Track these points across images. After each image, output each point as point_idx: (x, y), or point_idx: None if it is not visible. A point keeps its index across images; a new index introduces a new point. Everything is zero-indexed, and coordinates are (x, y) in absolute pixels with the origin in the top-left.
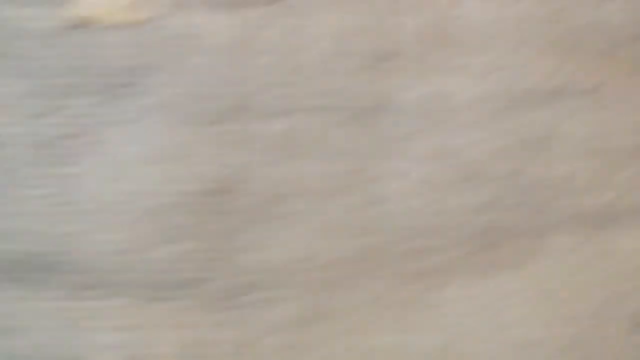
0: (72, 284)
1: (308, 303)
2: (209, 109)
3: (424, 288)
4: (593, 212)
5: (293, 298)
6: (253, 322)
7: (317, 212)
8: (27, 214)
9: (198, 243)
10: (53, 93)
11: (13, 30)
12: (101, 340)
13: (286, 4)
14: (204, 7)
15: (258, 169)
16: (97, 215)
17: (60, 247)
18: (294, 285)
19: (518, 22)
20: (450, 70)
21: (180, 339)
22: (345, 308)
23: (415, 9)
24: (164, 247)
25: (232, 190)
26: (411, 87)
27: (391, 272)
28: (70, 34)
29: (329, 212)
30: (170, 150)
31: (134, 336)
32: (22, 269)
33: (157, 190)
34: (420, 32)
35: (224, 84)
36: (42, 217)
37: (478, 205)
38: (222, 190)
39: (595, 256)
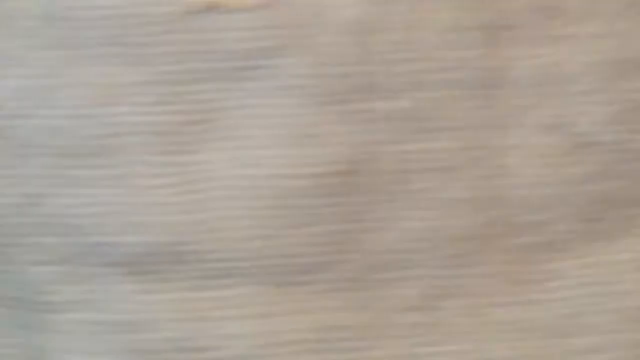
0: (199, 274)
1: (435, 281)
2: (335, 88)
3: (545, 260)
4: None
5: (421, 276)
6: (383, 302)
7: (441, 188)
8: (150, 204)
9: (326, 226)
10: (175, 79)
11: (132, 18)
12: (231, 329)
13: None
14: None
15: (384, 147)
16: (224, 202)
17: (185, 237)
18: (422, 262)
19: None
20: (560, 40)
21: (311, 324)
22: (472, 283)
23: None
24: (292, 231)
25: (359, 170)
26: (525, 59)
27: (514, 245)
28: (192, 18)
29: (453, 187)
30: (296, 132)
31: (265, 324)
32: (147, 262)
33: (285, 173)
34: (531, 3)
35: (349, 62)
36: (167, 207)
37: (593, 174)
38: (349, 171)
39: None
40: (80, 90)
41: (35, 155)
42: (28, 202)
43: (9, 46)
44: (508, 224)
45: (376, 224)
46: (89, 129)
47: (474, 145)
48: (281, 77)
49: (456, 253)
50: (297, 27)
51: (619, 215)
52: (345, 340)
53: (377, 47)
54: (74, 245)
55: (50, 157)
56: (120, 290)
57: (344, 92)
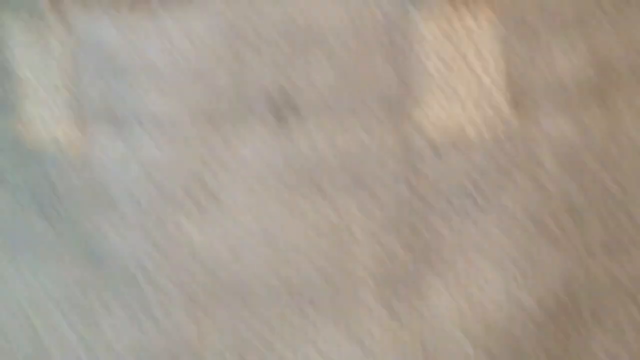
0: None
1: None
2: (556, 216)
3: None
4: None
5: None
6: None
7: None
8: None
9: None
10: (407, 220)
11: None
12: None
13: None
14: (546, 108)
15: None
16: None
17: None
18: None
19: None
20: None
21: None
22: None
23: None
24: None
25: (576, 303)
26: None
27: None
28: (425, 157)
29: None
30: (518, 260)
31: None
32: None
33: (510, 303)
34: None
35: (569, 190)
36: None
37: None
38: (564, 305)
39: None
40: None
41: None
42: None
43: None
44: None
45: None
46: None
47: None
48: (503, 207)
49: None
50: (520, 161)
51: None
52: None
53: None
54: None
55: None
56: None
57: (561, 219)
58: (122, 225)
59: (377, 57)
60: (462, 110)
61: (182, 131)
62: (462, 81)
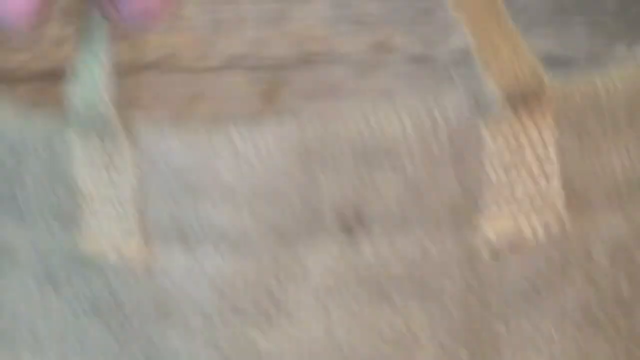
0: None
1: None
2: (608, 311)
3: None
4: None
5: None
6: None
7: None
8: None
9: None
10: (464, 318)
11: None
12: None
13: None
14: (600, 206)
15: None
16: None
17: None
18: None
19: None
20: None
21: None
22: None
23: None
24: None
25: None
26: None
27: None
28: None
29: None
30: (567, 358)
31: None
32: None
33: None
34: None
35: (622, 286)
36: None
37: None
38: None
39: None
40: None
41: None
42: None
43: None
44: None
45: None
46: None
47: None
48: (558, 305)
49: None
50: (574, 259)
51: None
52: None
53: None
54: None
55: None
56: None
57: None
58: (188, 336)
59: (443, 168)
60: (520, 214)
61: (251, 245)
62: (522, 187)
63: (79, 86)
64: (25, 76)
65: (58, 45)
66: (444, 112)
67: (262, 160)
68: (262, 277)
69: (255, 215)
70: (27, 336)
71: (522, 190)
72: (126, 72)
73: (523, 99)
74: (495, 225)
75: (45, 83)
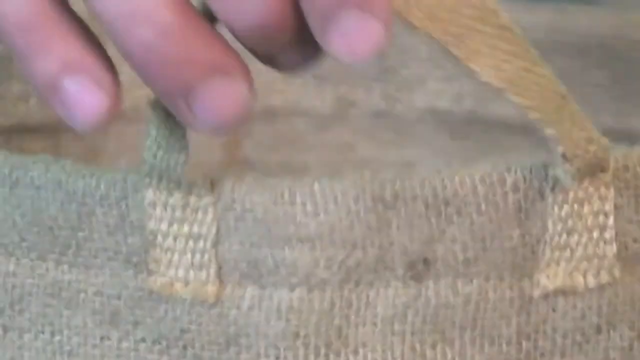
0: None
1: None
2: None
3: None
4: None
5: None
6: None
7: None
8: None
9: None
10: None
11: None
12: None
13: None
14: None
15: None
16: None
17: None
18: None
19: None
20: None
21: None
22: None
23: None
24: None
25: None
26: None
27: None
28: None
29: None
30: None
31: None
32: None
33: None
34: None
35: None
36: None
37: None
38: None
39: None
40: None
41: None
42: None
43: None
44: None
45: None
46: None
47: None
48: (603, 350)
49: None
50: (620, 307)
51: None
52: None
53: None
54: None
55: None
56: None
57: None
58: None
59: (508, 224)
60: (575, 267)
61: (320, 280)
62: (581, 249)
63: (160, 150)
64: None
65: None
66: (514, 175)
67: (339, 207)
68: (329, 310)
69: (328, 256)
70: None
71: (581, 252)
72: None
73: (590, 171)
74: (551, 277)
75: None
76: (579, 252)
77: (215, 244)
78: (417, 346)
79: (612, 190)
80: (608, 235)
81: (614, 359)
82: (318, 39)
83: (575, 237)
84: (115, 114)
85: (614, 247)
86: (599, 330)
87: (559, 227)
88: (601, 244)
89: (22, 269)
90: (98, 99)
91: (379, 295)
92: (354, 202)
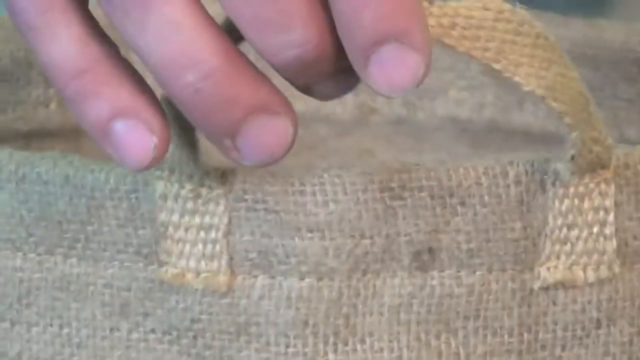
0: None
1: None
2: None
3: None
4: None
5: None
6: None
7: None
8: None
9: None
10: (520, 349)
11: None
12: None
13: None
14: None
15: None
16: None
17: None
18: None
19: None
20: None
21: None
22: None
23: None
24: None
25: None
26: None
27: None
28: (544, 292)
29: None
30: None
31: None
32: None
33: None
34: None
35: None
36: None
37: None
38: None
39: None
40: None
41: None
42: None
43: None
44: None
45: None
46: None
47: None
48: (602, 343)
49: None
50: (619, 302)
51: None
52: None
53: None
54: None
55: None
56: None
57: None
58: (265, 354)
59: (510, 217)
60: (575, 261)
61: (328, 269)
62: (581, 244)
63: (171, 145)
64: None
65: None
66: (516, 168)
67: (348, 197)
68: (337, 299)
69: (337, 245)
70: None
71: (581, 247)
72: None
73: (590, 168)
74: (551, 269)
75: (30, 141)
76: (579, 246)
77: (227, 234)
78: (422, 336)
79: (612, 187)
80: (608, 231)
81: (614, 353)
82: (358, 71)
83: (576, 231)
84: (166, 153)
85: (614, 243)
86: (599, 324)
87: (559, 221)
88: (601, 239)
89: (29, 263)
90: (148, 141)
91: (386, 285)
92: (362, 192)
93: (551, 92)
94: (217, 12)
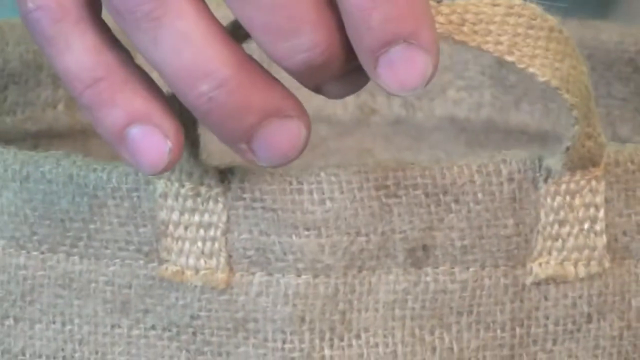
0: None
1: None
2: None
3: None
4: None
5: None
6: None
7: None
8: None
9: None
10: (512, 343)
11: (480, 289)
12: None
13: None
14: (635, 253)
15: None
16: None
17: None
18: None
19: None
20: None
21: None
22: None
23: None
24: None
25: None
26: None
27: None
28: (535, 289)
29: None
30: None
31: None
32: None
33: None
34: None
35: None
36: None
37: None
38: None
39: None
40: None
41: None
42: None
43: None
44: None
45: None
46: None
47: None
48: (593, 337)
49: None
50: (609, 297)
51: None
52: None
53: None
54: None
55: None
56: None
57: None
58: (262, 349)
59: (503, 214)
60: (566, 257)
61: (325, 265)
62: (572, 239)
63: None
64: (18, 137)
65: (51, 107)
66: (509, 166)
67: (344, 195)
68: (333, 296)
69: (333, 242)
70: None
71: (572, 242)
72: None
73: (581, 164)
74: (542, 264)
75: (38, 142)
76: (570, 242)
77: (225, 232)
78: (417, 331)
79: (603, 183)
80: (598, 227)
81: (604, 347)
82: (368, 72)
83: (567, 227)
84: (180, 156)
85: (604, 239)
86: (589, 319)
87: (551, 218)
88: (592, 235)
89: (32, 261)
90: (163, 145)
91: (381, 281)
92: (358, 190)
93: (565, 84)
94: (225, 15)
